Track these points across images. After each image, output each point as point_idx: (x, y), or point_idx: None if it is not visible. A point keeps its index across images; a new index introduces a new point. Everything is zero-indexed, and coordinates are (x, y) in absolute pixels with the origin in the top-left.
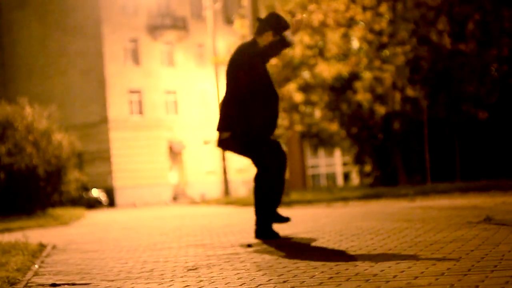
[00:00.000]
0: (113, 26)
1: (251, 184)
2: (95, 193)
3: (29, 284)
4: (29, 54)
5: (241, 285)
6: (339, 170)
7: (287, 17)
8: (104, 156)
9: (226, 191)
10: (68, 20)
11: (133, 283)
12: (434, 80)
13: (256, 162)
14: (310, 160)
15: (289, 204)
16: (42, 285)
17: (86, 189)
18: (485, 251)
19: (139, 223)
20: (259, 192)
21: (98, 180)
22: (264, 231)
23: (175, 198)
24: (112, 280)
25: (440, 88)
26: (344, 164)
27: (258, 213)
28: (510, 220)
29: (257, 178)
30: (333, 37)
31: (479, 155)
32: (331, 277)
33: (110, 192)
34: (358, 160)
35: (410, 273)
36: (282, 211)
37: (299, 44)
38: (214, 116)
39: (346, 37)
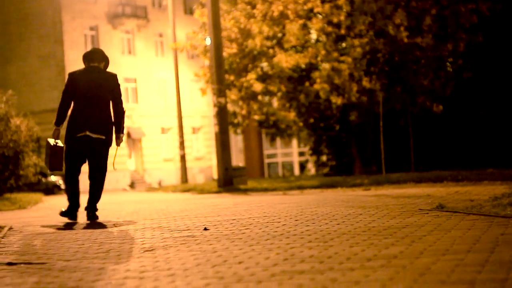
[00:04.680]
0: (72, 13)
1: (208, 172)
2: (54, 178)
3: None
4: None
5: (197, 265)
6: (295, 160)
7: (248, 9)
8: (62, 142)
9: (185, 178)
10: (28, 5)
11: (89, 263)
12: (391, 73)
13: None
14: (267, 150)
15: (246, 191)
16: None
17: (44, 175)
18: (437, 236)
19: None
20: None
21: None
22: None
23: (132, 185)
24: (69, 260)
25: (396, 81)
26: (301, 154)
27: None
28: (462, 208)
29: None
30: (292, 28)
31: (434, 147)
32: (285, 259)
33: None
34: (315, 150)
35: (364, 255)
36: (239, 198)
37: (259, 34)
38: (172, 105)
39: (305, 28)
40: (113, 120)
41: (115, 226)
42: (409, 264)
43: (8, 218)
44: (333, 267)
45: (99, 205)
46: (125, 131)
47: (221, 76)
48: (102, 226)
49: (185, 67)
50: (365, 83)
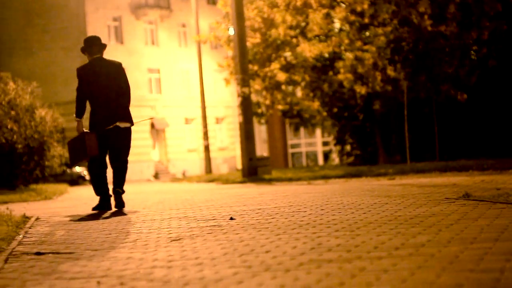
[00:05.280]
0: (96, 4)
1: (232, 162)
2: (78, 169)
3: (13, 253)
4: (12, 31)
5: (224, 254)
6: (319, 150)
7: None
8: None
9: (209, 169)
10: None
11: (117, 252)
12: (415, 61)
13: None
14: (291, 140)
15: (270, 181)
16: (27, 253)
17: (69, 165)
18: (464, 225)
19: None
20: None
21: None
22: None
23: (157, 175)
24: (96, 250)
25: (420, 69)
26: (325, 143)
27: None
28: (488, 196)
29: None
30: (315, 17)
31: (458, 136)
32: (313, 248)
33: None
34: (339, 140)
35: (391, 244)
36: (264, 187)
37: (282, 24)
38: (196, 95)
39: (328, 17)
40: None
41: (142, 216)
42: (437, 252)
43: (35, 209)
44: (361, 256)
45: (124, 195)
46: (148, 121)
47: (245, 66)
48: (128, 216)
49: (208, 57)
50: (390, 72)
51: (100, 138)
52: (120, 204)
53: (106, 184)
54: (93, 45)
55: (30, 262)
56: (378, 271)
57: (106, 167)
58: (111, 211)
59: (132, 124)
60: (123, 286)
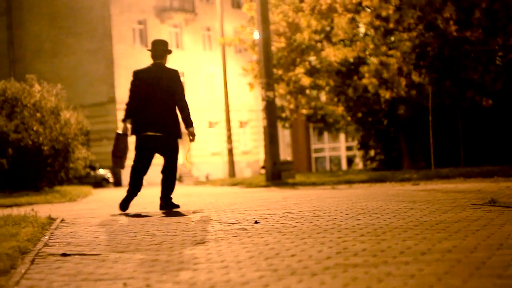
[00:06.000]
0: (121, 7)
1: (255, 166)
2: (102, 172)
3: (40, 254)
4: (38, 33)
5: (249, 258)
6: (343, 154)
7: (296, 2)
8: (111, 136)
9: (232, 172)
10: (77, 0)
11: (143, 254)
12: (440, 67)
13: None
14: (314, 144)
15: (294, 185)
16: (53, 254)
17: (93, 168)
18: (490, 231)
19: (146, 200)
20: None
21: (105, 159)
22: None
23: (180, 178)
24: (122, 252)
25: (445, 75)
26: (348, 148)
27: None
28: None
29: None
30: (340, 22)
31: (483, 142)
32: (338, 252)
33: (116, 171)
34: (363, 145)
35: (417, 249)
36: (288, 191)
37: (307, 28)
38: (220, 99)
39: (353, 22)
40: (177, 115)
41: (166, 219)
42: (464, 258)
43: (60, 210)
44: (387, 261)
45: (148, 198)
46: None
47: (270, 70)
48: (153, 218)
49: (232, 61)
50: (414, 77)
51: (142, 141)
52: (164, 208)
53: (136, 186)
54: (158, 49)
55: (57, 263)
56: (404, 276)
57: (142, 171)
58: (132, 213)
59: (177, 137)
60: None
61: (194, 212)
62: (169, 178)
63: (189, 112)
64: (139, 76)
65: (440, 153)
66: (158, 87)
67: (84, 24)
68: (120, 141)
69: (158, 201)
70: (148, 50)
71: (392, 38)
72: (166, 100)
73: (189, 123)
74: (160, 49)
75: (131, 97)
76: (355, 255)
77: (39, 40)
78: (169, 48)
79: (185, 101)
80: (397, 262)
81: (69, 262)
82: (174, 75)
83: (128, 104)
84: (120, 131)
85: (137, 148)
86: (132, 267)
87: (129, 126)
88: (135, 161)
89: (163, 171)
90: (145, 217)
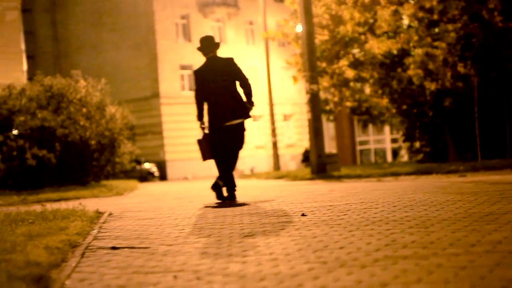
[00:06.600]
0: (164, 2)
1: (299, 159)
2: (147, 166)
3: (89, 247)
4: (82, 29)
5: (298, 250)
6: (388, 147)
7: None
8: (156, 130)
9: (277, 165)
10: None
11: (191, 247)
12: (485, 58)
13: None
14: (359, 136)
15: (339, 178)
16: (102, 248)
17: (139, 162)
18: None
19: (191, 193)
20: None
21: (150, 153)
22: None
23: None
24: (171, 245)
25: (490, 66)
26: (393, 140)
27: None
28: None
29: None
30: (384, 14)
31: None
32: (387, 244)
33: (161, 165)
34: (408, 137)
35: (467, 241)
36: (334, 184)
37: (350, 21)
38: (263, 92)
39: (396, 14)
40: (242, 97)
41: (213, 212)
42: None
43: (107, 204)
44: (437, 253)
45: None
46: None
47: (313, 63)
48: (200, 211)
49: (275, 55)
50: (460, 68)
51: (215, 135)
52: (220, 195)
53: (227, 175)
54: (206, 45)
55: (106, 256)
56: (455, 268)
57: (227, 159)
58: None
59: (246, 117)
60: (199, 281)
61: (240, 205)
62: (233, 164)
63: (251, 90)
64: (200, 74)
65: (486, 144)
66: (220, 78)
67: (128, 20)
68: (203, 146)
69: (204, 195)
70: (198, 49)
71: (437, 30)
72: (230, 87)
73: (250, 100)
74: (209, 44)
75: (198, 96)
76: (404, 247)
77: (83, 36)
78: (216, 41)
79: (248, 82)
80: (447, 254)
81: (119, 255)
82: (230, 62)
83: (197, 103)
84: (200, 137)
85: (213, 140)
86: (181, 260)
87: (205, 122)
88: (215, 154)
89: (231, 157)
90: (193, 210)
